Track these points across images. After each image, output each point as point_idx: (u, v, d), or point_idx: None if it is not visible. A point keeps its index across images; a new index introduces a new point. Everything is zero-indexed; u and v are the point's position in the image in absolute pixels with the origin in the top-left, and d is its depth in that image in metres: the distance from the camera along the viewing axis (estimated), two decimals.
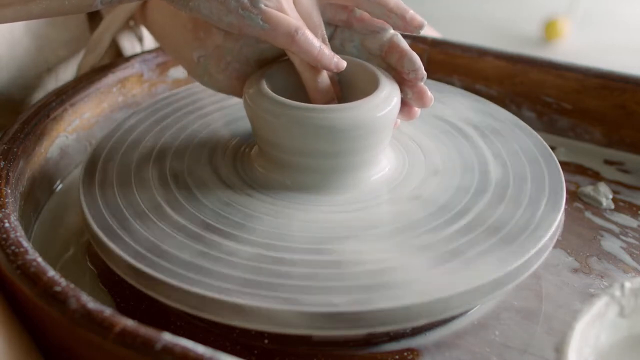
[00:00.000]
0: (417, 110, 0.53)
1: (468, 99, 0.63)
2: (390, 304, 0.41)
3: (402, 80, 0.52)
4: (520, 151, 0.55)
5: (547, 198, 0.50)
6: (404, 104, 0.52)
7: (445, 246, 0.45)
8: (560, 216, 0.48)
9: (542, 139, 0.57)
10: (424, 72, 0.51)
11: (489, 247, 0.45)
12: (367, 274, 0.43)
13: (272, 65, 0.53)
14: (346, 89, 0.53)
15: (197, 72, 0.54)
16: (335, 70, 0.50)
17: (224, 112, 0.61)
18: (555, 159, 0.54)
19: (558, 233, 0.49)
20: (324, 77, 0.51)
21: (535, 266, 0.46)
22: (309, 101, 0.51)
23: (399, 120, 0.53)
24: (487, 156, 0.54)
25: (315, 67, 0.50)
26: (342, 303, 0.41)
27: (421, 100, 0.52)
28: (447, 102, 0.62)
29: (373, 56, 0.53)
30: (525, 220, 0.47)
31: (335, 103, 0.52)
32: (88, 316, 0.37)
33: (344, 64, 0.50)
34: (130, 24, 0.74)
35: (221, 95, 0.63)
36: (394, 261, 0.44)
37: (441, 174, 0.52)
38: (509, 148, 0.55)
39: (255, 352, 0.44)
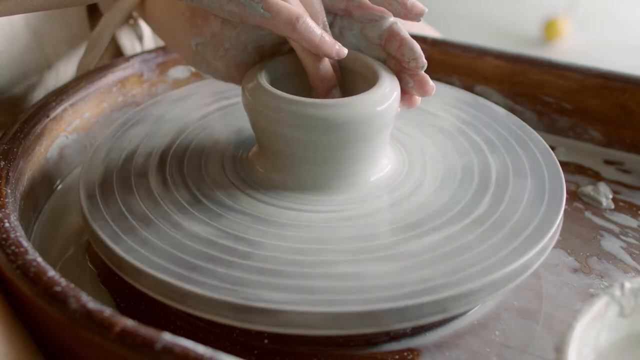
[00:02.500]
0: (418, 99, 0.53)
1: (468, 98, 0.63)
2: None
3: (403, 69, 0.51)
4: (520, 151, 0.55)
5: (547, 198, 0.50)
6: (405, 92, 0.52)
7: (445, 247, 0.45)
8: (560, 216, 0.48)
9: (542, 139, 0.57)
10: (425, 61, 0.50)
11: (488, 248, 0.45)
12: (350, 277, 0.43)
13: (271, 58, 0.53)
14: (346, 82, 0.53)
15: (195, 60, 0.54)
16: (336, 58, 0.49)
17: (223, 112, 0.61)
18: (555, 159, 0.54)
19: (558, 233, 0.49)
20: (326, 64, 0.51)
21: (535, 266, 0.46)
22: (309, 95, 0.51)
23: (399, 108, 0.53)
24: (487, 156, 0.54)
25: (317, 54, 0.50)
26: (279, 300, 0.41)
27: (422, 89, 0.51)
28: (447, 101, 0.62)
29: (372, 45, 0.53)
30: (525, 220, 0.47)
31: (337, 90, 0.52)
32: (88, 316, 0.37)
33: (345, 51, 0.49)
34: (130, 23, 0.74)
35: (221, 96, 0.63)
36: (390, 261, 0.44)
37: (441, 174, 0.52)
38: (509, 148, 0.55)
39: (255, 352, 0.44)
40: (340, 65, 0.53)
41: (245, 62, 0.53)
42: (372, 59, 0.52)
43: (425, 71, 0.51)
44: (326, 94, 0.51)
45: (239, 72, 0.53)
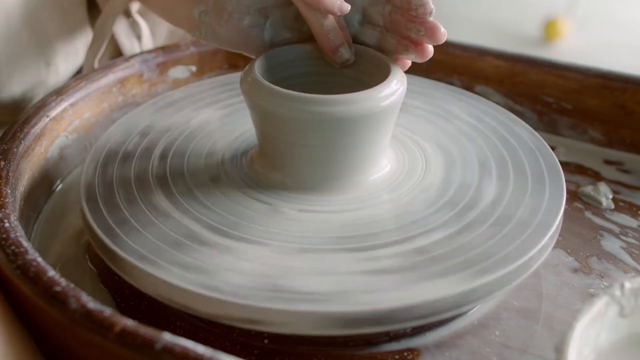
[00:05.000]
0: (430, 49, 0.51)
1: (468, 98, 0.63)
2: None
3: (411, 18, 0.50)
4: (521, 151, 0.55)
5: (547, 198, 0.50)
6: (417, 43, 0.51)
7: (445, 247, 0.45)
8: (560, 216, 0.48)
9: (542, 139, 0.57)
10: (432, 6, 0.49)
11: (488, 247, 0.45)
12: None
13: (270, 50, 0.53)
14: (358, 78, 0.53)
15: (199, 30, 0.54)
16: (339, 14, 0.49)
17: (223, 112, 0.61)
18: (556, 159, 0.54)
19: (558, 233, 0.49)
20: (331, 21, 0.50)
21: (535, 266, 0.46)
22: (308, 90, 0.50)
23: (409, 62, 0.52)
24: (487, 156, 0.54)
25: (319, 10, 0.49)
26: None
27: (435, 36, 0.49)
28: (447, 102, 0.62)
29: (377, 0, 0.52)
30: (525, 220, 0.47)
31: (344, 48, 0.51)
32: (88, 316, 0.37)
33: (347, 7, 0.49)
34: (130, 21, 0.74)
35: (221, 96, 0.63)
36: (389, 262, 0.44)
37: (441, 174, 0.52)
38: (509, 148, 0.55)
39: (255, 352, 0.44)
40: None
41: (249, 25, 0.52)
42: (384, 55, 0.52)
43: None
44: (334, 53, 0.51)
45: (244, 37, 0.53)
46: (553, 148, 0.64)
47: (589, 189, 0.60)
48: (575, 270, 0.52)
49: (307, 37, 0.53)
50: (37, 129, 0.56)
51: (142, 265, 0.43)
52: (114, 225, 0.47)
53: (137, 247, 0.45)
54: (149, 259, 0.44)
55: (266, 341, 0.44)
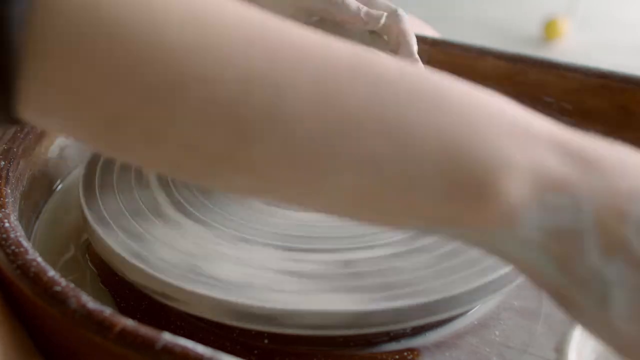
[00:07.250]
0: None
1: None
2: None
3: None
4: None
5: None
6: None
7: (445, 247, 0.45)
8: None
9: None
10: None
11: (413, 277, 0.44)
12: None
13: None
14: None
15: None
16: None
17: None
18: None
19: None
20: None
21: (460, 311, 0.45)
22: None
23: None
24: None
25: None
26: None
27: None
28: None
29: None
30: (474, 260, 0.46)
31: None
32: (88, 316, 0.37)
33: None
34: None
35: None
36: (387, 261, 0.44)
37: None
38: None
39: (255, 352, 0.44)
40: None
41: None
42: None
43: None
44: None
45: None
46: None
47: None
48: None
49: None
50: (37, 128, 0.56)
51: (97, 227, 0.45)
52: (97, 188, 0.49)
53: (103, 210, 0.47)
54: (106, 222, 0.46)
55: (266, 341, 0.44)
